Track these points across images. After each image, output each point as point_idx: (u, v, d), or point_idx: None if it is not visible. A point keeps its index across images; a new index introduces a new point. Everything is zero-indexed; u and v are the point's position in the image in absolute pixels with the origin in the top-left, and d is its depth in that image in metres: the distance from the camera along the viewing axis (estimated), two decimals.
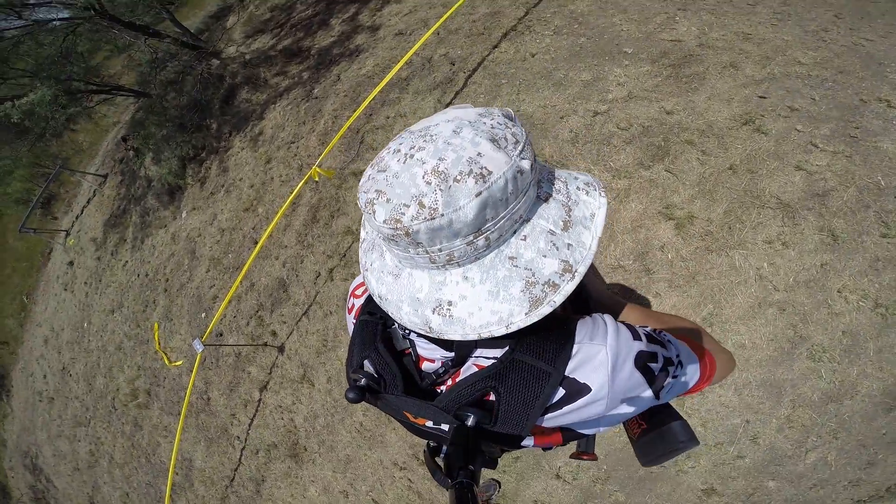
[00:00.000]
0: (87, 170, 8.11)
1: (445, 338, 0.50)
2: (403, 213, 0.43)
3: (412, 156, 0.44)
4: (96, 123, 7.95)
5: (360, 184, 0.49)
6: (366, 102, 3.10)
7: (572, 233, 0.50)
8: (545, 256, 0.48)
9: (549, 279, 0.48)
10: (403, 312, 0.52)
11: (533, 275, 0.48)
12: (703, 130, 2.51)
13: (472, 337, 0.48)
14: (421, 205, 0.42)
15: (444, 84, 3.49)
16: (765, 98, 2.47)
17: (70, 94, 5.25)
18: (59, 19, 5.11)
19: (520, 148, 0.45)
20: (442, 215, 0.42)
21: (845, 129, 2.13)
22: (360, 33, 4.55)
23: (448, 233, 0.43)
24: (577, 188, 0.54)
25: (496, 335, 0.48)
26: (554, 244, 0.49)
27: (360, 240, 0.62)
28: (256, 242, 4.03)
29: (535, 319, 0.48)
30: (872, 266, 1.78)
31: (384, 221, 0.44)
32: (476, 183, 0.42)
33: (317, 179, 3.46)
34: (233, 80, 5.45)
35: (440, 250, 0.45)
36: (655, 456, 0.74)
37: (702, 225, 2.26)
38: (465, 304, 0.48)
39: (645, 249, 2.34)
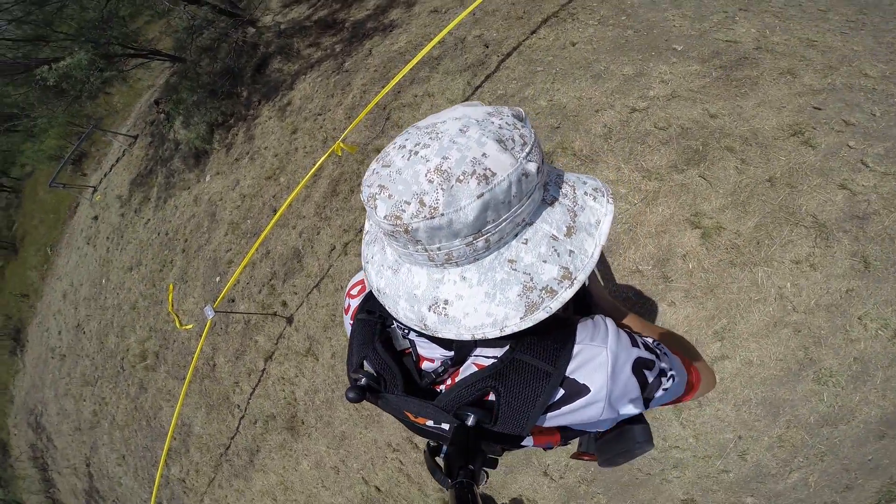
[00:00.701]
0: (119, 130, 8.78)
1: (440, 336, 0.53)
2: (404, 211, 0.45)
3: (416, 153, 0.47)
4: (131, 86, 8.57)
5: (364, 177, 0.52)
6: (395, 80, 3.31)
7: (575, 239, 0.52)
8: (545, 262, 0.50)
9: (548, 285, 0.50)
10: (400, 307, 0.55)
11: (531, 279, 0.50)
12: (746, 138, 2.55)
13: (466, 337, 0.52)
14: (422, 203, 0.45)
15: (476, 66, 3.65)
16: (819, 109, 2.48)
17: (108, 58, 5.69)
18: None
19: (527, 150, 0.48)
20: (442, 215, 0.44)
21: None
22: (395, 8, 4.76)
23: (447, 232, 0.46)
24: (585, 193, 0.57)
25: (489, 337, 0.51)
26: (555, 250, 0.51)
27: (364, 231, 0.66)
28: (276, 210, 4.35)
29: (530, 324, 0.51)
30: None
31: (385, 217, 0.47)
32: (479, 184, 0.44)
33: (339, 154, 3.73)
34: (266, 49, 5.81)
35: (439, 249, 0.48)
36: (612, 455, 0.80)
37: (729, 237, 2.32)
38: (460, 304, 0.51)
39: (666, 256, 2.42)
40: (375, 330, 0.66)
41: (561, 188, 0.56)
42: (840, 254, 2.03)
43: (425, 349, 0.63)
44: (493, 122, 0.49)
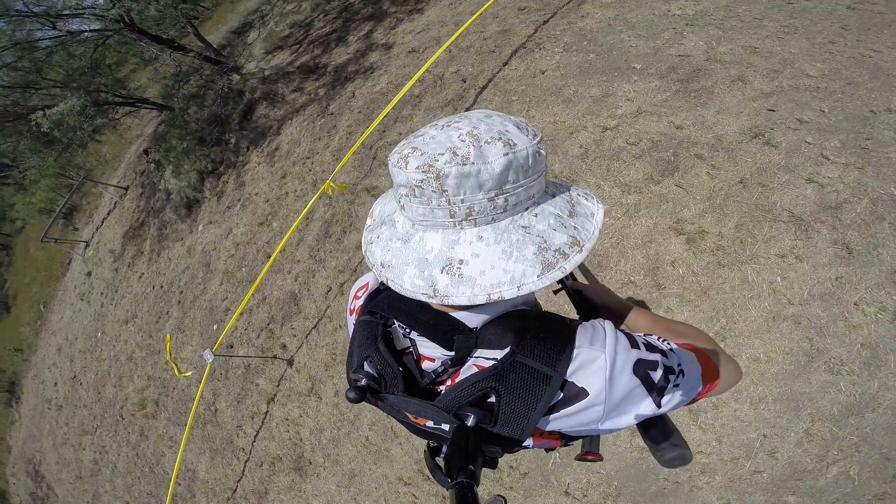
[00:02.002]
0: (110, 181, 8.45)
1: (450, 301, 0.50)
2: (437, 160, 0.47)
3: (449, 125, 0.51)
4: (120, 135, 8.31)
5: (394, 150, 0.53)
6: (378, 119, 3.22)
7: (577, 220, 0.55)
8: (555, 230, 0.52)
9: (560, 248, 0.51)
10: (407, 276, 0.53)
11: (545, 241, 0.51)
12: (712, 144, 2.54)
13: (481, 298, 0.49)
14: (454, 153, 0.47)
15: (456, 100, 3.60)
16: (774, 111, 2.50)
17: (98, 106, 5.49)
18: (90, 31, 5.39)
19: (538, 139, 0.52)
20: (473, 163, 0.46)
21: (856, 140, 2.14)
22: (374, 51, 4.74)
23: (474, 182, 0.47)
24: (578, 194, 0.60)
25: (506, 297, 0.49)
26: (562, 223, 0.53)
27: (366, 225, 0.64)
28: (270, 256, 4.13)
29: (547, 283, 0.50)
30: (889, 278, 1.76)
31: (417, 167, 0.48)
32: (504, 146, 0.47)
33: (329, 194, 3.57)
34: (252, 95, 5.69)
35: (462, 201, 0.48)
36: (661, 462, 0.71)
37: (713, 239, 2.26)
38: (477, 262, 0.50)
39: (656, 265, 2.34)
40: (377, 331, 0.62)
41: (559, 188, 0.59)
42: (822, 243, 1.97)
43: (426, 348, 0.60)
44: (509, 116, 0.53)
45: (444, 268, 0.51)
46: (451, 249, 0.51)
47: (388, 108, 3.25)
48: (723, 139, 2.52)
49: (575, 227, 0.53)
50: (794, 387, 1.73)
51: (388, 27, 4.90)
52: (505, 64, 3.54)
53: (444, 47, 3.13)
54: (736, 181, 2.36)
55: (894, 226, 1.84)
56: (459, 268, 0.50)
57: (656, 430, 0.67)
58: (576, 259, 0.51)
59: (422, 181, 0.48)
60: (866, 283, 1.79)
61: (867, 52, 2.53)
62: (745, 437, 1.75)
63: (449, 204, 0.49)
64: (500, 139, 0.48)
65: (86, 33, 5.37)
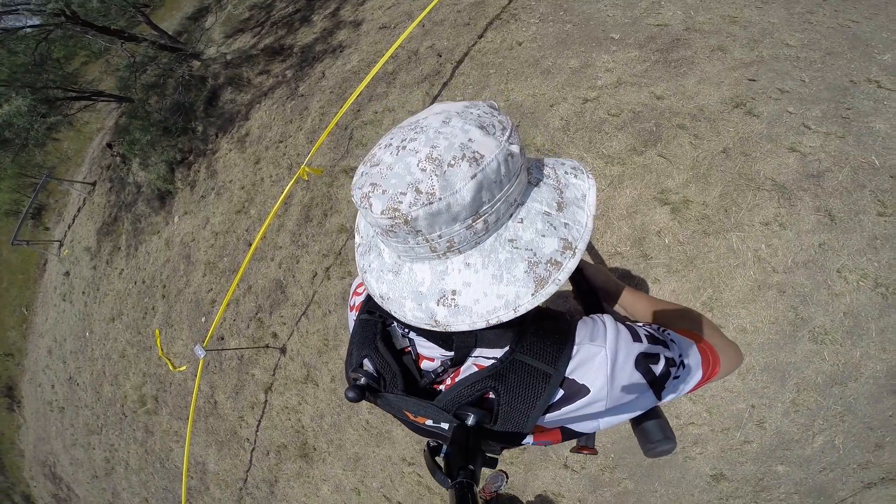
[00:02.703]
0: (75, 178, 7.80)
1: (453, 330, 0.47)
2: (401, 202, 0.41)
3: (404, 147, 0.43)
4: (79, 131, 7.60)
5: (354, 181, 0.47)
6: (351, 98, 2.94)
7: (567, 213, 0.49)
8: (544, 236, 0.47)
9: (551, 257, 0.47)
10: (407, 309, 0.49)
11: (534, 255, 0.46)
12: (694, 114, 2.42)
13: (481, 325, 0.46)
14: (418, 191, 0.41)
15: (432, 76, 3.33)
16: (754, 81, 2.38)
17: (48, 103, 4.96)
18: (30, 26, 4.79)
19: (507, 133, 0.45)
20: (440, 199, 0.41)
21: (837, 110, 2.06)
22: (342, 29, 4.33)
23: (447, 217, 0.42)
24: (566, 172, 0.54)
25: (504, 320, 0.46)
26: (551, 224, 0.48)
27: (356, 244, 0.59)
28: (251, 244, 3.89)
29: (543, 299, 0.46)
30: (871, 245, 1.73)
31: (382, 212, 0.42)
32: (470, 166, 0.41)
33: (306, 178, 3.32)
34: (215, 81, 5.19)
35: (440, 237, 0.44)
36: (645, 451, 0.71)
37: (697, 209, 2.19)
38: (469, 292, 0.46)
39: (641, 235, 2.28)
40: (377, 329, 0.60)
41: (543, 171, 0.53)
42: (804, 211, 1.92)
43: (425, 348, 0.57)
44: (471, 113, 0.46)
45: (439, 300, 0.47)
46: (442, 280, 0.47)
47: (361, 88, 2.97)
48: (704, 109, 2.40)
49: (565, 224, 0.48)
50: (780, 357, 1.72)
51: (356, 3, 4.46)
52: (480, 36, 3.26)
53: (417, 20, 2.83)
54: (719, 151, 2.27)
55: (875, 193, 1.79)
56: (454, 299, 0.47)
57: (650, 423, 0.64)
58: (570, 265, 0.47)
59: (392, 226, 0.43)
60: (848, 249, 1.76)
61: (845, 22, 2.40)
62: (734, 407, 1.75)
63: (427, 241, 0.44)
64: (463, 157, 0.41)
65: (25, 29, 4.72)
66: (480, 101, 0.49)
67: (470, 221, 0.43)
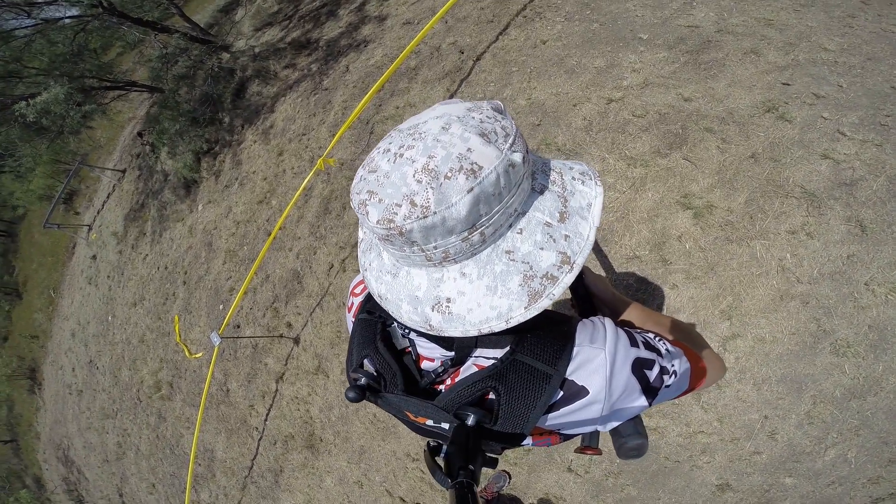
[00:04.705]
0: (106, 165, 8.31)
1: (446, 335, 0.49)
2: (396, 213, 0.42)
3: (402, 154, 0.44)
4: (112, 119, 8.12)
5: (353, 185, 0.48)
6: (372, 92, 3.08)
7: (569, 224, 0.49)
8: (542, 249, 0.47)
9: (548, 272, 0.47)
10: (403, 311, 0.51)
11: (531, 268, 0.47)
12: (723, 118, 2.42)
13: (473, 333, 0.48)
14: (413, 203, 0.41)
15: (454, 73, 3.44)
16: (788, 85, 2.36)
17: (84, 92, 5.33)
18: (69, 17, 5.18)
19: (510, 141, 0.44)
20: (434, 213, 0.41)
21: (875, 117, 2.03)
22: (367, 24, 4.50)
23: (442, 230, 0.43)
24: (573, 178, 0.54)
25: (496, 330, 0.48)
26: (551, 236, 0.48)
27: (359, 240, 0.61)
28: (270, 234, 4.09)
29: (535, 313, 0.47)
30: None
31: (377, 222, 0.44)
32: (467, 179, 0.41)
33: (323, 169, 3.48)
34: (243, 73, 5.48)
35: (435, 248, 0.45)
36: (618, 451, 0.74)
37: (721, 214, 2.19)
38: (463, 301, 0.47)
39: (662, 239, 2.29)
40: (376, 329, 0.62)
41: (549, 176, 0.52)
42: (834, 220, 1.90)
43: (425, 349, 0.59)
44: (473, 118, 0.45)
45: (434, 306, 0.49)
46: (437, 288, 0.49)
47: (382, 81, 3.10)
48: (734, 113, 2.39)
49: (566, 237, 0.49)
50: (799, 368, 1.71)
51: None
52: (504, 34, 3.34)
53: (438, 16, 2.94)
54: (747, 156, 2.26)
55: None
56: (448, 306, 0.48)
57: (626, 423, 0.65)
58: (566, 280, 0.48)
59: (387, 235, 0.45)
60: (878, 262, 1.73)
61: (889, 28, 2.36)
62: (746, 417, 1.75)
63: (423, 251, 0.46)
64: (460, 168, 0.41)
65: (64, 20, 5.13)
66: (485, 103, 0.49)
67: (466, 234, 0.44)
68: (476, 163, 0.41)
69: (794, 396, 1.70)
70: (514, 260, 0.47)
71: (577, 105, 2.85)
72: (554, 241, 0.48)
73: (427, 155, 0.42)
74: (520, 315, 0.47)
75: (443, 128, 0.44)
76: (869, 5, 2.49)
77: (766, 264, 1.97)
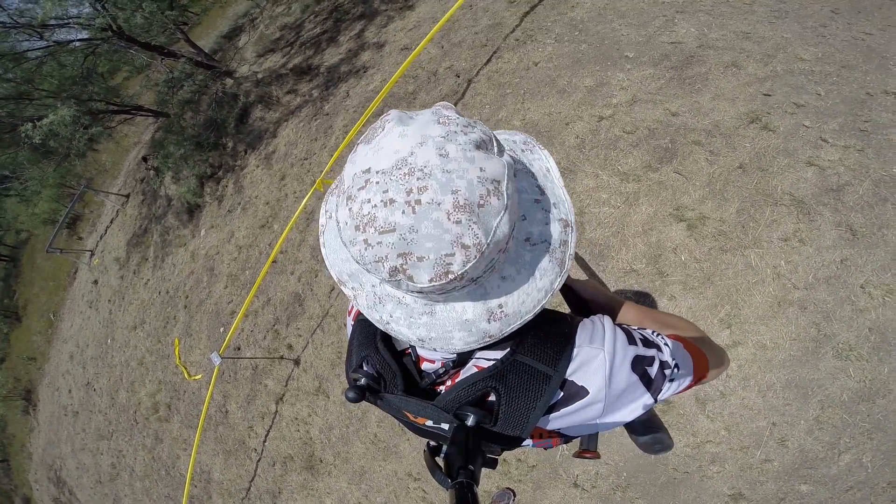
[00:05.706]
0: (111, 189, 8.34)
1: (508, 334, 0.50)
2: (451, 263, 0.39)
3: (419, 201, 0.38)
4: (118, 143, 8.20)
5: (360, 254, 0.40)
6: (365, 116, 3.13)
7: (548, 193, 0.51)
8: (547, 224, 0.49)
9: (560, 240, 0.50)
10: (456, 340, 0.49)
11: (549, 244, 0.49)
12: (709, 131, 2.47)
13: (530, 318, 0.50)
14: (464, 246, 0.39)
15: (450, 96, 3.51)
16: (769, 96, 2.42)
17: (91, 114, 5.39)
18: (79, 40, 5.30)
19: (495, 142, 0.44)
20: (487, 245, 0.40)
21: (854, 122, 2.07)
22: (366, 50, 4.63)
23: (494, 253, 0.43)
24: (522, 150, 0.54)
25: (545, 305, 0.50)
26: (544, 209, 0.50)
27: (351, 297, 0.53)
28: (272, 258, 4.07)
29: (566, 276, 0.51)
30: (895, 260, 1.70)
31: (431, 281, 0.40)
32: (497, 199, 0.40)
33: (321, 190, 3.50)
34: (246, 98, 5.58)
35: (485, 270, 0.44)
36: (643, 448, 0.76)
37: (714, 225, 2.20)
38: (513, 300, 0.48)
39: (657, 252, 2.28)
40: (377, 330, 0.60)
41: (511, 156, 0.51)
42: (825, 226, 1.91)
43: (425, 350, 0.58)
44: (456, 133, 0.41)
45: (488, 318, 0.48)
46: (485, 303, 0.48)
47: (376, 102, 3.16)
48: (720, 125, 2.44)
49: (554, 205, 0.50)
50: (803, 373, 1.68)
51: (380, 25, 4.78)
52: (497, 57, 3.44)
53: (430, 35, 3.02)
54: (735, 166, 2.29)
55: None
56: (502, 310, 0.48)
57: (638, 421, 0.66)
58: (573, 239, 0.51)
59: (441, 288, 0.41)
60: (872, 265, 1.73)
61: (859, 35, 2.44)
62: (754, 425, 1.70)
63: (474, 281, 0.44)
64: (487, 192, 0.39)
65: (74, 42, 5.25)
66: (441, 109, 0.44)
67: (506, 245, 0.44)
68: (494, 179, 0.40)
69: (801, 402, 1.65)
70: (534, 244, 0.48)
71: (570, 124, 2.90)
72: (548, 213, 0.50)
73: (450, 191, 0.38)
74: (557, 284, 0.50)
75: (440, 155, 0.39)
76: (839, 14, 2.58)
77: (761, 272, 1.96)
